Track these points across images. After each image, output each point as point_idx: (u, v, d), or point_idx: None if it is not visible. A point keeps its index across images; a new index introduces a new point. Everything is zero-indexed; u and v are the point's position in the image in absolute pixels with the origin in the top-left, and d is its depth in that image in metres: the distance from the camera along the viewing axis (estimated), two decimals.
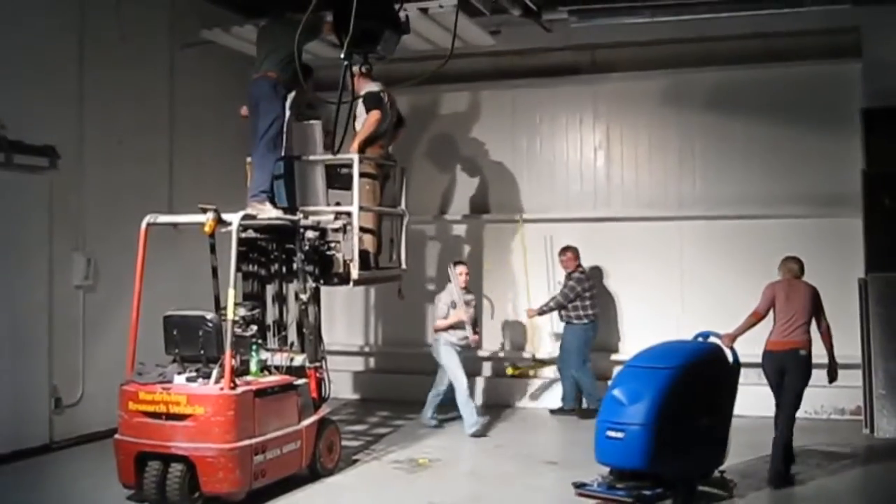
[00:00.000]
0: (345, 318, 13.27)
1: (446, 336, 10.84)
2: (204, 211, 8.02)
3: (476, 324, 11.13)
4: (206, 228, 7.99)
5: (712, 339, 8.47)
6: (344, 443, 9.31)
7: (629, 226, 12.30)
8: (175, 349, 8.02)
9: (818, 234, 11.25)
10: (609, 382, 8.30)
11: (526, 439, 10.69)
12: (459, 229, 13.24)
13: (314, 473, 8.57)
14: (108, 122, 10.42)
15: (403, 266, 10.49)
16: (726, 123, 11.97)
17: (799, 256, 9.13)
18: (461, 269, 11.01)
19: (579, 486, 7.59)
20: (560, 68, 12.80)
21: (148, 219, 8.33)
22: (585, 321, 11.69)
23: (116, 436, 7.81)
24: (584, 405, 11.65)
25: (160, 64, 11.34)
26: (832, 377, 8.81)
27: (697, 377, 7.69)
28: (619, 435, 7.32)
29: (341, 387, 11.98)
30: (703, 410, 7.69)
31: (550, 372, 12.43)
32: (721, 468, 8.06)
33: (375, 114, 9.82)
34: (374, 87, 9.91)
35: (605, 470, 7.56)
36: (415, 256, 11.62)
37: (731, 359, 8.32)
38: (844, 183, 11.17)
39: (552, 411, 11.92)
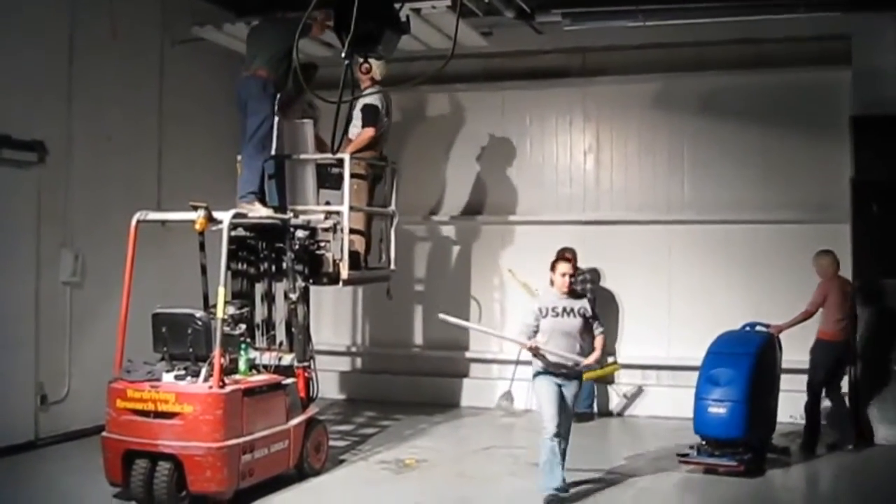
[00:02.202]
0: (332, 318, 13.22)
1: (536, 360, 8.09)
2: (195, 208, 7.99)
3: (590, 331, 8.11)
4: (197, 226, 7.97)
5: (759, 329, 9.88)
6: (331, 443, 9.28)
7: (618, 229, 12.31)
8: (163, 347, 7.98)
9: (806, 239, 11.27)
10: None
11: (513, 441, 10.68)
12: (449, 230, 13.23)
13: (301, 473, 8.54)
14: (97, 119, 10.37)
15: (392, 267, 10.48)
16: (716, 128, 12.00)
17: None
18: (563, 267, 8.11)
19: (683, 455, 9.09)
20: (550, 71, 12.81)
21: (138, 216, 8.29)
22: None
23: (104, 433, 7.77)
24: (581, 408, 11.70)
25: (151, 60, 11.29)
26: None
27: (766, 360, 9.31)
28: (721, 410, 8.85)
29: (328, 387, 11.95)
30: (769, 387, 9.34)
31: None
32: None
33: (370, 131, 9.89)
34: (374, 96, 9.88)
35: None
36: (404, 257, 11.60)
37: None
38: (833, 190, 11.22)
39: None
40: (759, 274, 11.57)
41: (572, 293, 8.11)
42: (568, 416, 8.00)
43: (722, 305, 11.43)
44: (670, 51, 12.04)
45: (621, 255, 12.24)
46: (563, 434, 7.87)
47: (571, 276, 8.08)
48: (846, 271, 10.64)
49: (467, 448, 10.28)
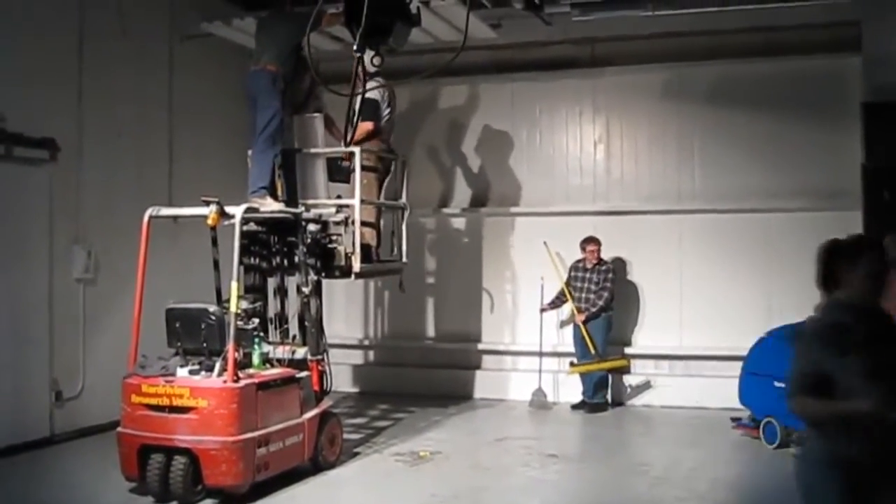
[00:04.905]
0: (344, 311, 13.24)
1: (823, 442, 4.17)
2: (207, 203, 8.01)
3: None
4: (210, 221, 7.98)
5: None
6: (345, 436, 9.30)
7: (629, 219, 12.29)
8: (177, 342, 8.02)
9: (817, 227, 11.11)
10: None
11: (526, 433, 10.71)
12: (459, 223, 13.24)
13: (316, 466, 8.57)
14: (107, 115, 10.40)
15: (404, 259, 10.50)
16: (726, 117, 11.96)
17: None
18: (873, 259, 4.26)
19: (735, 419, 10.01)
20: (559, 62, 12.80)
21: (150, 211, 8.32)
22: (610, 311, 11.70)
23: (119, 428, 7.79)
24: (594, 398, 11.69)
25: (160, 56, 11.31)
26: None
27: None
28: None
29: (341, 380, 11.97)
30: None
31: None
32: None
33: (367, 125, 9.85)
34: (375, 91, 9.86)
35: None
36: (415, 250, 11.61)
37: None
38: (844, 177, 11.14)
39: (574, 406, 11.81)
40: (770, 263, 11.55)
41: (878, 308, 4.26)
42: None
43: (733, 295, 11.42)
44: (680, 40, 12.01)
45: (632, 245, 12.23)
46: None
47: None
48: None
49: (481, 440, 10.30)
